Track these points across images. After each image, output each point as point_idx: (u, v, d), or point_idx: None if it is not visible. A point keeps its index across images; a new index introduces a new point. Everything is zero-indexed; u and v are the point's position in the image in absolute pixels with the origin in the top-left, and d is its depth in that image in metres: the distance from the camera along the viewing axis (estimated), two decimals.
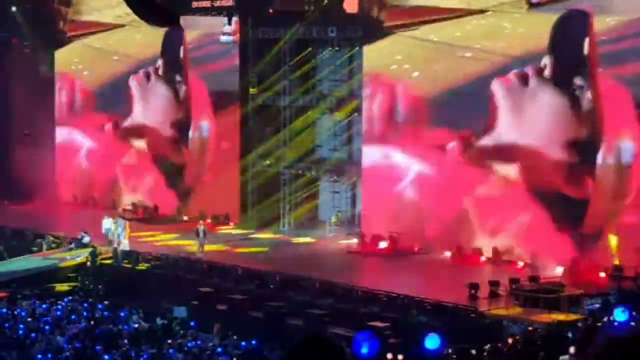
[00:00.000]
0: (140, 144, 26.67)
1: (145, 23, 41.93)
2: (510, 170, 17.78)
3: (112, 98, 31.34)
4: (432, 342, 21.41)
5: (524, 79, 17.12)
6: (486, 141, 18.02)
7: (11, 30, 49.28)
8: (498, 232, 18.52)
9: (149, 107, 27.91)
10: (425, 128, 21.00)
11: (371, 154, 25.11)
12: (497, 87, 17.56)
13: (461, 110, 19.55)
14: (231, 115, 31.81)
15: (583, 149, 17.74)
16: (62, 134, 30.76)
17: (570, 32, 17.29)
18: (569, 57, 17.61)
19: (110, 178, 29.58)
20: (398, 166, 22.80)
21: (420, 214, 24.29)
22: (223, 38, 31.72)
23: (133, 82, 28.31)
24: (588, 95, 17.35)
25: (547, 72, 17.69)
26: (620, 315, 23.90)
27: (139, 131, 27.80)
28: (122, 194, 27.99)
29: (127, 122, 28.05)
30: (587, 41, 17.04)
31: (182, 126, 28.47)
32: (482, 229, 18.96)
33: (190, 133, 29.04)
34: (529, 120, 17.68)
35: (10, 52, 49.30)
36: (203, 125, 29.70)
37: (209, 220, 42.22)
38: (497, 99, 18.03)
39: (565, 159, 17.67)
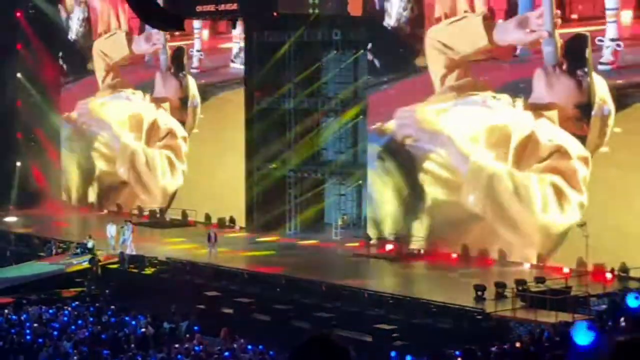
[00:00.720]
0: (165, 105, 40.08)
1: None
2: (553, 115, 28.17)
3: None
4: (582, 336, 20.94)
5: (553, 68, 28.46)
6: (536, 100, 28.69)
7: (16, 36, 49.34)
8: (553, 140, 28.33)
9: (166, 89, 40.70)
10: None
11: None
12: (539, 72, 28.55)
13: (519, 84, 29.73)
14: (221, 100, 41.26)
15: (583, 108, 28.04)
16: (120, 95, 41.49)
17: (577, 44, 27.75)
18: (576, 58, 27.98)
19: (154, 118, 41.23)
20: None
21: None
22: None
23: (157, 74, 40.63)
24: (587, 80, 27.88)
25: (564, 67, 28.41)
26: (633, 301, 23.92)
27: (163, 99, 40.55)
28: (160, 128, 40.00)
29: (155, 94, 40.86)
30: (587, 50, 27.43)
31: (184, 100, 40.58)
32: (544, 142, 28.53)
33: (189, 104, 40.51)
34: (558, 91, 28.33)
35: (15, 58, 49.35)
36: (195, 101, 40.57)
37: (214, 222, 42.32)
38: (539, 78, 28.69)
39: (574, 114, 28.06)
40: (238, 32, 40.93)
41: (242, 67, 41.58)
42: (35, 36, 49.32)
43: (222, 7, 39.83)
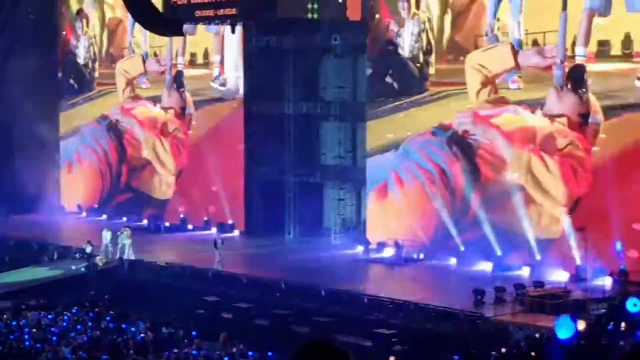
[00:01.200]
0: (171, 110, 46.62)
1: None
2: (563, 120, 33.61)
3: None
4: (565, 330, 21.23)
5: (561, 88, 33.83)
6: (549, 111, 34.32)
7: (14, 39, 49.32)
8: (567, 137, 33.80)
9: (170, 100, 46.84)
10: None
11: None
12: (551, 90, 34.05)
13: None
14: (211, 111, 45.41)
15: (583, 117, 33.16)
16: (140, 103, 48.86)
17: (578, 71, 33.41)
18: (578, 81, 33.36)
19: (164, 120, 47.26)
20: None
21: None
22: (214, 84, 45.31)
23: (164, 89, 47.03)
24: (586, 96, 33.08)
25: (569, 86, 33.71)
26: (632, 307, 24.15)
27: (169, 108, 46.87)
28: (169, 126, 47.13)
29: (162, 104, 47.58)
30: (585, 75, 33.07)
31: (183, 110, 46.07)
32: (560, 138, 33.92)
33: (186, 112, 45.95)
34: (565, 104, 33.65)
35: (13, 61, 49.33)
36: (190, 109, 45.85)
37: (213, 229, 42.41)
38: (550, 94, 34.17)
39: (577, 121, 33.32)
40: (217, 58, 44.39)
41: (222, 88, 44.16)
42: (34, 40, 49.37)
43: (221, 12, 39.84)
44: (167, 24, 37.68)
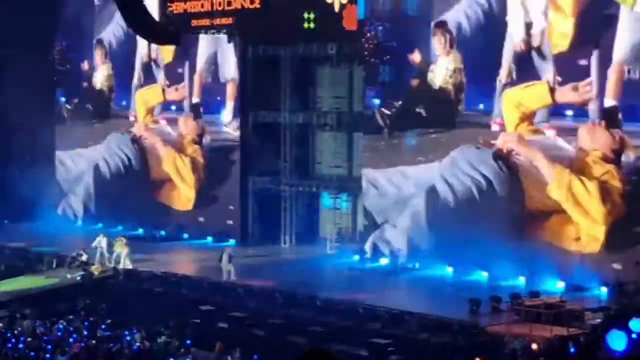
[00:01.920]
0: (189, 136, 46.20)
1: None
2: (598, 154, 33.79)
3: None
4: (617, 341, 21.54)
5: (594, 124, 33.98)
6: (582, 145, 34.72)
7: (11, 47, 49.35)
8: (603, 167, 33.71)
9: (187, 127, 46.24)
10: None
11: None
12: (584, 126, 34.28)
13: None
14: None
15: (617, 153, 33.24)
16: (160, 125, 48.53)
17: (612, 112, 33.38)
18: (611, 118, 33.55)
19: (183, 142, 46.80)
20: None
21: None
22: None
23: (180, 119, 46.42)
24: (618, 135, 33.03)
25: (603, 124, 33.66)
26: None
27: (187, 133, 46.19)
28: (187, 148, 46.35)
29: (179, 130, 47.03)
30: (619, 115, 33.11)
31: (201, 136, 45.74)
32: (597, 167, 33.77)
33: (203, 140, 45.13)
34: (598, 140, 33.76)
35: (10, 69, 49.34)
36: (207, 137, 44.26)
37: (209, 238, 42.39)
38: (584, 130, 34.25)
39: (611, 156, 33.42)
40: (230, 105, 43.13)
41: (235, 133, 42.97)
42: (32, 51, 49.43)
43: (217, 21, 39.95)
44: (163, 33, 37.73)
